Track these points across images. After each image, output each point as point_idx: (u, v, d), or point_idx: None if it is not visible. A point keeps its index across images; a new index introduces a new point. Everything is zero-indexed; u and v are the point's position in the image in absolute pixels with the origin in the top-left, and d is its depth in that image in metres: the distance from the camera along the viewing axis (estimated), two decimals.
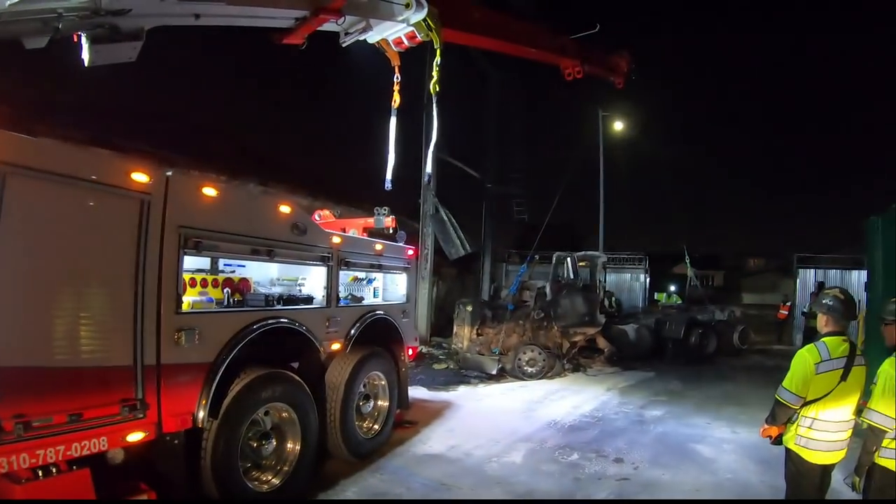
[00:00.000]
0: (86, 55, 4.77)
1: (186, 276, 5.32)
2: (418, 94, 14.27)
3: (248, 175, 15.30)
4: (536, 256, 19.24)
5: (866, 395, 4.21)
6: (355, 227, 8.42)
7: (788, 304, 22.58)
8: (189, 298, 5.22)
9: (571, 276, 14.59)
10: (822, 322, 4.34)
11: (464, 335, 14.15)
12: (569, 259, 14.69)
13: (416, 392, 10.87)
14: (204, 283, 5.69)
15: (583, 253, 15.58)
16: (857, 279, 19.66)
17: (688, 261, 21.03)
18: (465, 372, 13.47)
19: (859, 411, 4.19)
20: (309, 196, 16.58)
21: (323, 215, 8.74)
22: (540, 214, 18.98)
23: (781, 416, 4.28)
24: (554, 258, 15.05)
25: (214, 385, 4.92)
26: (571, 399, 11.16)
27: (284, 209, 5.90)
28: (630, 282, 24.85)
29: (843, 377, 4.07)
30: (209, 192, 5.06)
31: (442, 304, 19.67)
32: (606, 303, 18.48)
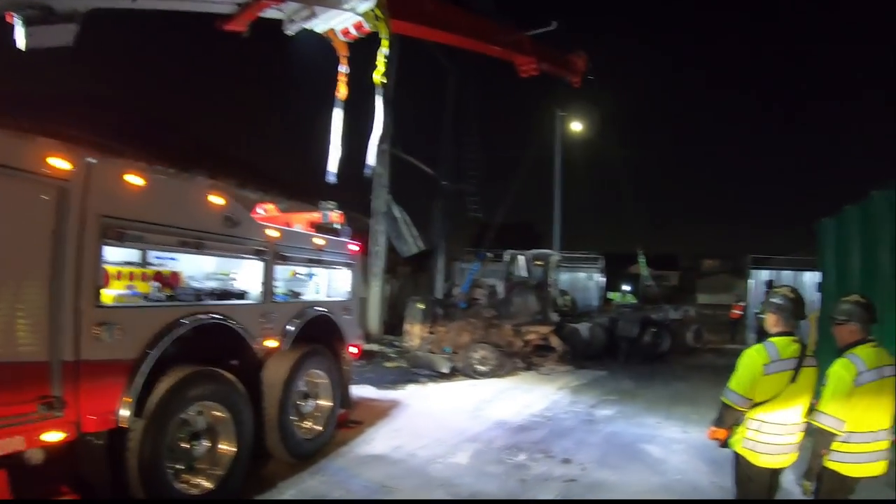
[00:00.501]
0: (20, 39, 4.61)
1: (112, 269, 5.08)
2: (372, 87, 14.12)
3: (199, 167, 14.92)
4: (490, 254, 19.18)
5: (817, 396, 4.10)
6: (301, 222, 8.19)
7: (742, 303, 23.00)
8: (112, 292, 4.94)
9: (524, 275, 14.53)
10: (771, 321, 4.20)
11: (415, 333, 13.99)
12: (521, 257, 14.64)
13: (363, 391, 10.69)
14: (131, 276, 5.37)
15: (536, 251, 15.55)
16: (809, 280, 20.09)
17: (642, 261, 21.22)
18: (416, 370, 13.30)
19: (810, 413, 4.08)
20: (260, 190, 16.28)
21: (267, 209, 8.50)
22: (495, 213, 18.99)
23: (728, 418, 4.11)
24: (507, 256, 14.98)
25: (138, 383, 4.66)
26: (522, 398, 11.05)
27: (216, 200, 5.62)
28: (585, 281, 25.00)
29: (793, 378, 3.93)
30: (134, 180, 4.77)
31: (395, 301, 19.52)
32: (561, 301, 18.50)
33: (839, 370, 3.97)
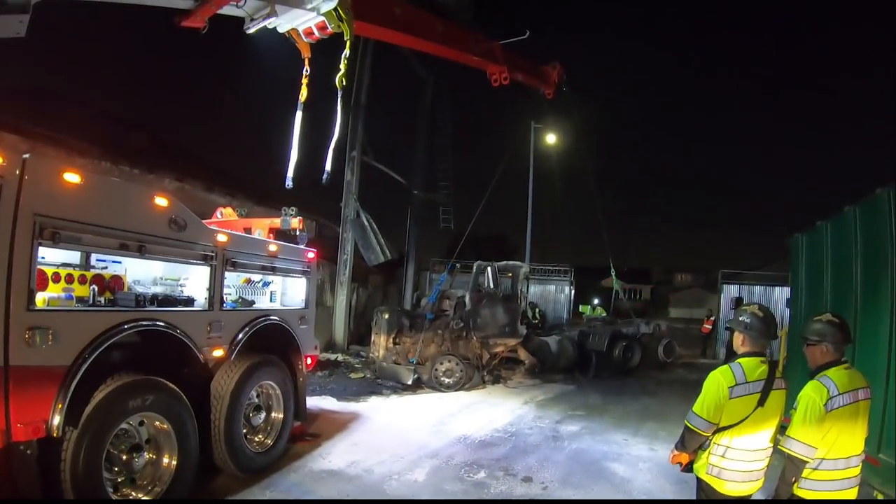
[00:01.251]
0: None
1: (49, 270, 4.91)
2: (345, 93, 13.95)
3: (165, 169, 14.61)
4: (458, 265, 19.01)
5: (786, 421, 3.89)
6: (261, 228, 7.98)
7: (712, 318, 23.05)
8: (47, 295, 4.73)
9: (492, 286, 14.35)
10: (738, 341, 3.98)
11: (380, 344, 13.74)
12: (489, 269, 14.45)
13: (324, 402, 10.47)
14: (70, 279, 5.19)
15: (504, 263, 15.37)
16: (780, 296, 20.13)
17: (614, 274, 21.18)
18: (381, 382, 13.07)
19: (779, 438, 3.86)
20: (228, 194, 15.99)
21: (225, 213, 8.29)
22: (468, 224, 18.85)
23: (691, 442, 3.89)
24: (475, 267, 14.81)
25: (71, 391, 4.42)
26: (486, 412, 10.84)
27: (161, 202, 5.38)
28: (555, 294, 24.91)
29: (761, 402, 3.70)
30: (73, 178, 4.55)
31: (363, 311, 19.27)
32: (530, 314, 18.37)
33: (810, 394, 3.74)
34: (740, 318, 3.96)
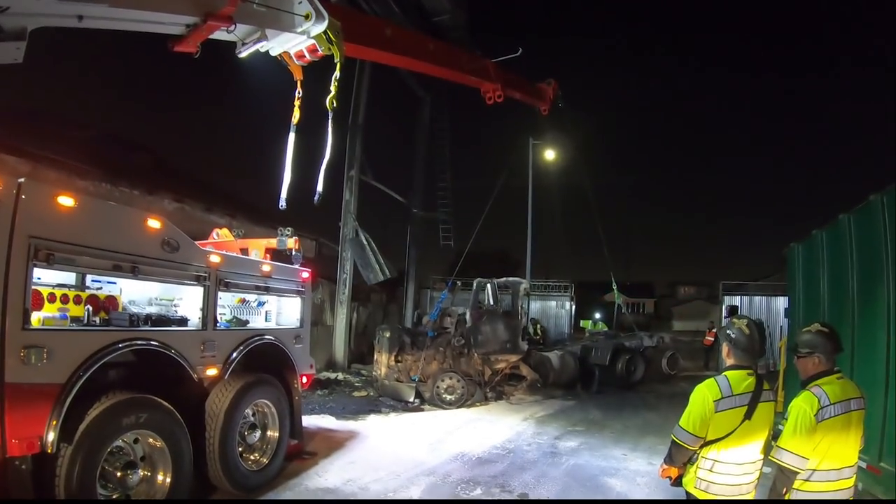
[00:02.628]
0: None
1: (45, 291, 5.00)
2: (344, 114, 14.05)
3: (165, 189, 14.70)
4: (459, 283, 19.04)
5: (776, 432, 3.86)
6: (257, 248, 8.07)
7: (714, 330, 22.97)
8: (42, 314, 4.84)
9: (492, 303, 14.39)
10: (724, 352, 3.96)
11: (382, 362, 13.76)
12: (489, 285, 14.50)
13: (323, 421, 10.49)
14: (65, 299, 5.27)
15: (504, 279, 15.42)
16: (781, 306, 20.07)
17: (615, 288, 21.18)
18: (383, 400, 13.11)
19: (769, 449, 3.84)
20: (227, 214, 16.07)
21: (221, 234, 8.36)
22: (467, 242, 18.93)
23: (679, 457, 3.86)
24: (475, 284, 14.86)
25: (66, 408, 4.52)
26: (485, 429, 10.84)
27: (153, 224, 5.51)
28: (556, 309, 24.90)
29: (748, 415, 3.67)
30: (67, 202, 4.69)
31: (363, 330, 19.30)
32: (531, 330, 18.34)
33: (801, 404, 3.74)
34: (728, 332, 3.93)
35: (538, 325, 20.13)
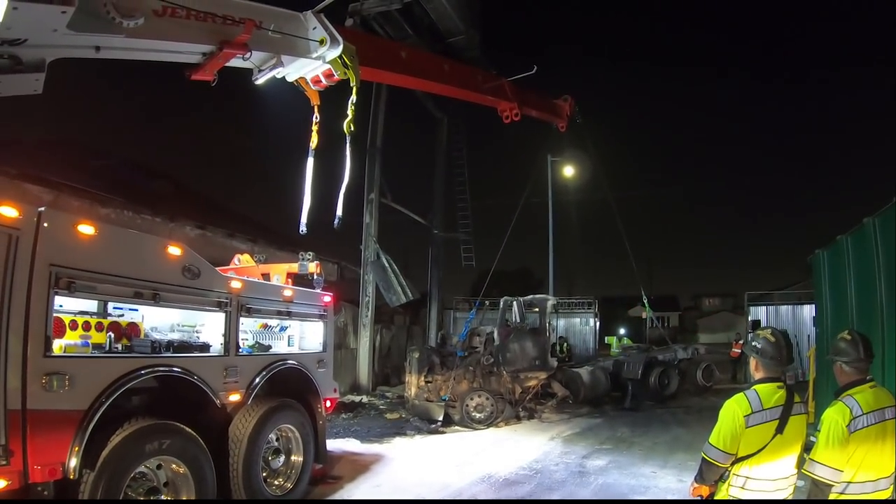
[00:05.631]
0: None
1: (67, 318, 5.02)
2: (362, 137, 14.15)
3: (186, 217, 14.89)
4: (486, 302, 18.98)
5: (809, 444, 3.75)
6: (279, 273, 8.12)
7: (741, 341, 22.63)
8: (64, 342, 4.89)
9: (519, 320, 14.34)
10: (752, 366, 3.86)
11: (412, 382, 13.80)
12: (515, 303, 14.46)
13: (348, 445, 10.45)
14: (87, 326, 5.31)
15: (531, 297, 15.37)
16: (808, 314, 19.68)
17: (646, 302, 21.01)
18: (410, 421, 13.07)
19: (802, 463, 3.71)
20: (249, 240, 16.21)
21: (242, 259, 8.42)
22: (491, 261, 18.94)
23: (710, 474, 3.75)
24: (501, 303, 14.83)
25: (88, 434, 4.55)
26: (513, 449, 10.73)
27: (174, 251, 5.57)
28: (580, 326, 24.69)
29: (780, 429, 3.56)
30: (87, 230, 4.77)
31: (387, 352, 19.28)
32: (558, 348, 18.23)
33: (832, 415, 3.64)
34: (753, 343, 3.85)
35: (565, 343, 20.00)
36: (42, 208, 4.48)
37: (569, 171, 24.20)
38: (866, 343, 3.87)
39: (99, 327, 5.39)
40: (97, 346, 5.16)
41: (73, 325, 5.16)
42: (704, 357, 19.29)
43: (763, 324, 20.56)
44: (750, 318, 22.17)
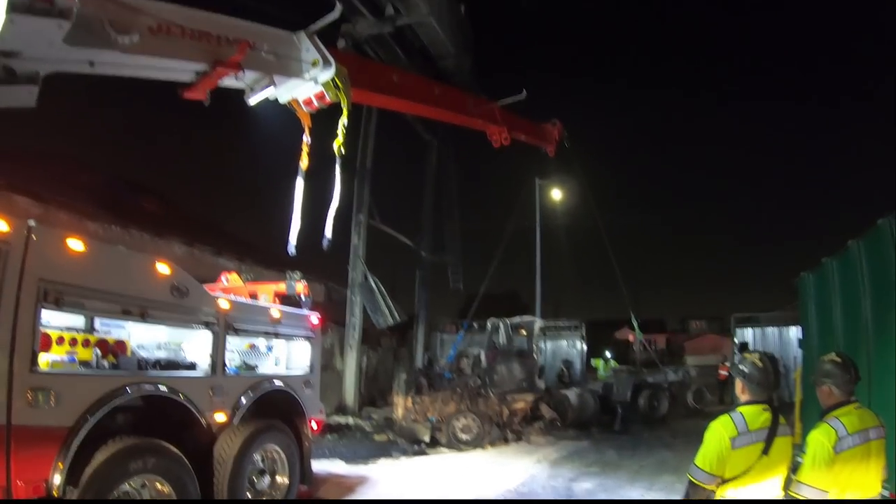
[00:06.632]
0: None
1: (54, 334, 5.01)
2: (351, 158, 14.19)
3: (174, 234, 14.85)
4: (475, 324, 19.00)
5: (795, 465, 3.77)
6: (266, 293, 8.10)
7: (727, 363, 22.71)
8: (50, 357, 4.86)
9: (505, 343, 14.37)
10: (738, 389, 3.86)
11: (400, 403, 13.77)
12: (502, 325, 14.50)
13: (333, 466, 10.38)
14: (73, 342, 5.30)
15: (518, 319, 15.40)
16: (794, 336, 19.76)
17: (636, 324, 21.10)
18: (395, 443, 13.00)
19: (788, 484, 3.72)
20: (236, 259, 16.16)
21: (230, 278, 8.38)
22: (478, 284, 18.97)
23: (695, 497, 3.71)
24: (488, 325, 14.85)
25: (72, 451, 4.52)
26: (499, 472, 10.66)
27: (163, 269, 5.56)
28: (567, 349, 24.66)
29: (765, 451, 3.56)
30: (76, 245, 4.76)
31: (374, 374, 19.18)
32: (564, 371, 18.47)
33: (818, 436, 3.69)
34: (740, 367, 3.84)
35: (571, 367, 20.33)
36: (32, 222, 4.48)
37: (556, 194, 24.38)
38: (853, 365, 3.92)
39: (86, 343, 5.37)
40: (84, 363, 5.13)
41: (60, 341, 5.14)
42: (696, 379, 19.34)
43: (750, 346, 20.65)
44: (737, 340, 22.24)
